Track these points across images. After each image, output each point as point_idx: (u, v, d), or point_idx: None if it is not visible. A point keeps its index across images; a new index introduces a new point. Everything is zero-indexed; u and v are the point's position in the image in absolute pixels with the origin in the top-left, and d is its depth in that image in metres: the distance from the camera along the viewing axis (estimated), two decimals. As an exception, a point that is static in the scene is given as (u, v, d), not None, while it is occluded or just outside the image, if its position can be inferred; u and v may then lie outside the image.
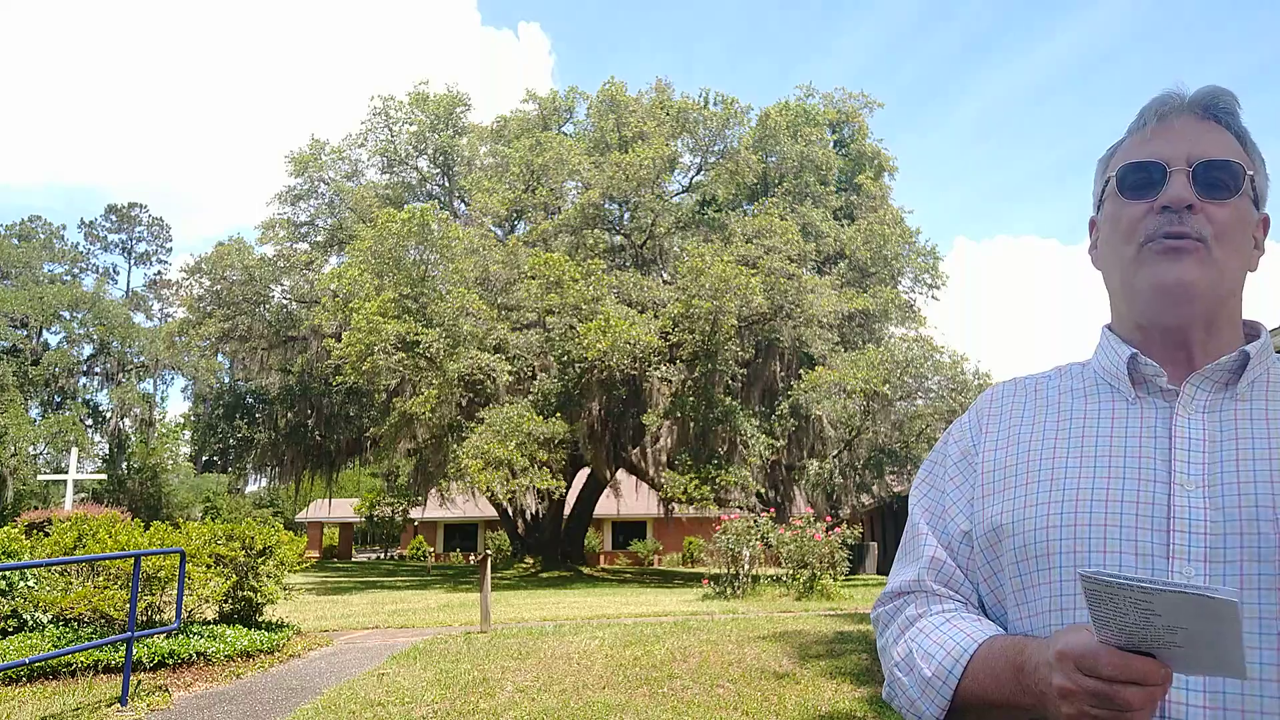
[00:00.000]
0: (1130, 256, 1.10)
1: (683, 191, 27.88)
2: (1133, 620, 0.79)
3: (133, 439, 43.41)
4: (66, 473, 24.99)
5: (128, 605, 7.48)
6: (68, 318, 42.85)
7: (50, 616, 8.07)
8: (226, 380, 33.38)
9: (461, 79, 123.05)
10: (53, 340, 43.94)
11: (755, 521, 15.98)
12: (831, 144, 27.27)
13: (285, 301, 25.80)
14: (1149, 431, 1.07)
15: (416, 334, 19.20)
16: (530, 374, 21.37)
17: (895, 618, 1.19)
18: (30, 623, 7.99)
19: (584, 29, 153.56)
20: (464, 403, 20.74)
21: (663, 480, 20.95)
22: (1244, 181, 1.08)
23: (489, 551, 14.86)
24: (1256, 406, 1.06)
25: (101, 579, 8.14)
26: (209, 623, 8.97)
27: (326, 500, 35.98)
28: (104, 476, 38.36)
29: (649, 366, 20.55)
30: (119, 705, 6.26)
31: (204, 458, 35.45)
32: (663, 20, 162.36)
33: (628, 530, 37.88)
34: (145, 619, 8.24)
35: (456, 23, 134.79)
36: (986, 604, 1.15)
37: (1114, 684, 0.81)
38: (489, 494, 18.98)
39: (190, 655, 7.70)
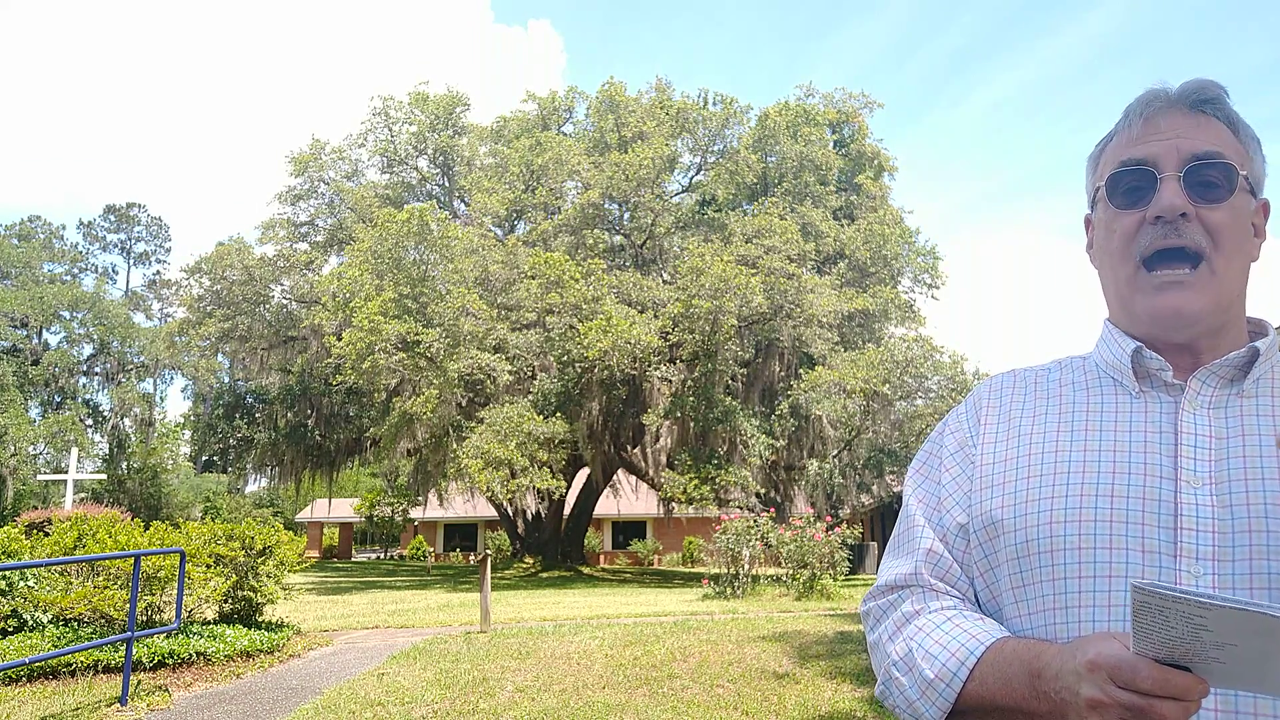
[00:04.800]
0: (1127, 276, 1.08)
1: (682, 191, 27.88)
2: (1179, 634, 0.76)
3: (133, 439, 43.40)
4: (66, 473, 24.98)
5: (128, 605, 7.47)
6: (68, 318, 42.86)
7: (50, 616, 8.06)
8: (226, 380, 33.40)
9: (471, 76, 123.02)
10: (53, 340, 43.99)
11: (755, 521, 15.98)
12: (831, 144, 27.26)
13: (285, 301, 25.79)
14: (1154, 426, 1.05)
15: (416, 334, 19.19)
16: (530, 374, 21.37)
17: (890, 613, 1.15)
18: (30, 623, 7.99)
19: (592, 27, 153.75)
20: (464, 403, 20.74)
21: (663, 480, 20.95)
22: (1238, 179, 1.05)
23: (489, 551, 14.85)
24: (1263, 403, 1.04)
25: (101, 579, 8.14)
26: (209, 623, 8.97)
27: (326, 500, 35.95)
28: (104, 476, 38.29)
29: (649, 366, 20.54)
30: (119, 705, 6.26)
31: (204, 458, 35.46)
32: (667, 19, 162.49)
33: (628, 530, 37.87)
34: (145, 619, 8.24)
35: (468, 20, 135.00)
36: (981, 599, 1.12)
37: (1150, 698, 0.79)
38: (489, 494, 18.96)
39: (190, 655, 7.70)
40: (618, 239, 25.73)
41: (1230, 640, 0.75)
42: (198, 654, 7.77)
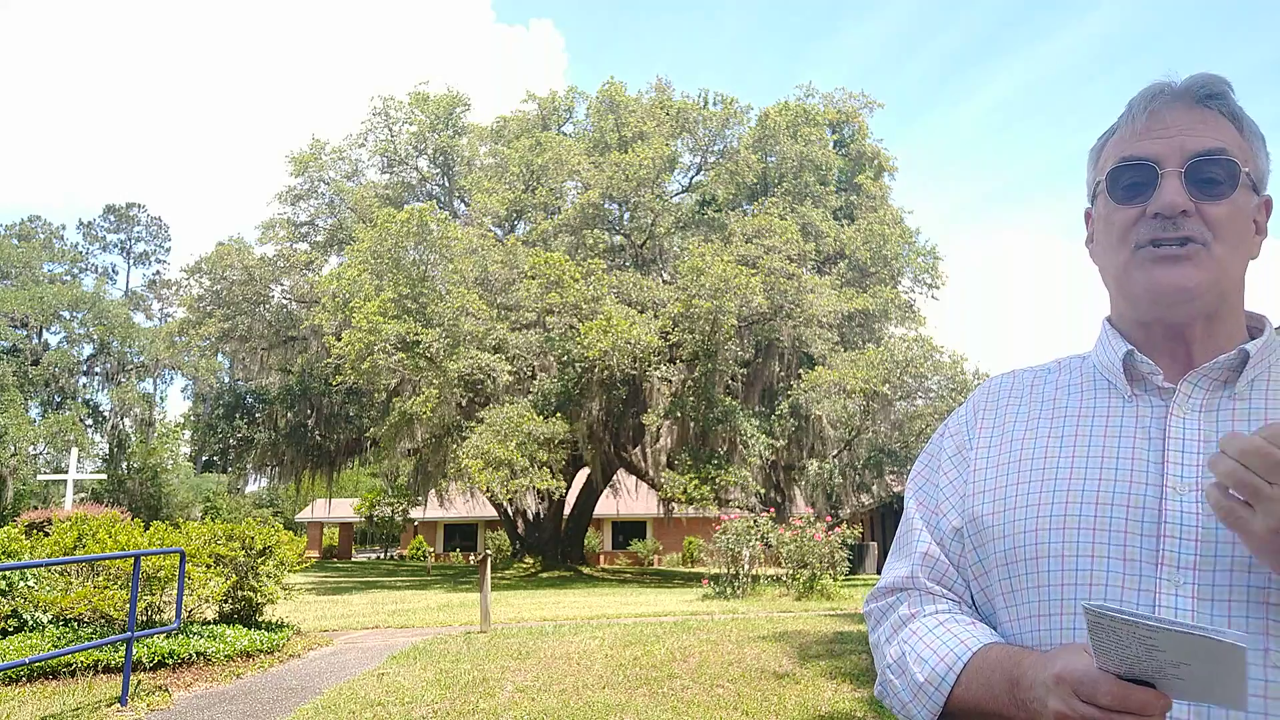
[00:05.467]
0: (1124, 260, 1.07)
1: (683, 191, 27.88)
2: (1134, 653, 0.78)
3: (133, 439, 43.38)
4: (66, 473, 24.98)
5: (128, 605, 7.48)
6: (68, 318, 42.83)
7: (50, 616, 8.07)
8: (226, 380, 33.39)
9: (473, 76, 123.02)
10: (53, 340, 43.95)
11: (755, 521, 15.98)
12: (831, 144, 27.25)
13: (285, 301, 25.80)
14: (1143, 432, 1.04)
15: (416, 334, 19.20)
16: (530, 374, 21.37)
17: (888, 615, 1.17)
18: (30, 623, 7.99)
19: (593, 26, 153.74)
20: (464, 403, 20.73)
21: (663, 480, 20.95)
22: (1240, 176, 1.04)
23: (489, 551, 14.85)
24: (1255, 405, 1.02)
25: (101, 579, 8.14)
26: (209, 623, 8.98)
27: (326, 500, 35.99)
28: (104, 476, 38.30)
29: (649, 366, 20.54)
30: (119, 705, 6.26)
31: (204, 458, 35.35)
32: (668, 19, 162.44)
33: (628, 530, 37.86)
34: (145, 619, 8.24)
35: (470, 20, 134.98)
36: (977, 602, 1.13)
37: (1111, 713, 0.80)
38: (489, 494, 18.97)
39: (190, 655, 7.70)
40: (618, 239, 25.72)
41: (1183, 659, 0.76)
42: (198, 654, 7.77)
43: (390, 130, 27.44)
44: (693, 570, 29.25)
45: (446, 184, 28.31)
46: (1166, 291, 1.03)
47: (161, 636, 7.64)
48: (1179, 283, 1.02)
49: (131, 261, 59.99)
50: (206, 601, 8.96)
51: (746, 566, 15.55)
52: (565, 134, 28.55)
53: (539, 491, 19.33)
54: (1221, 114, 1.06)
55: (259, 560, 9.29)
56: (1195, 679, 0.78)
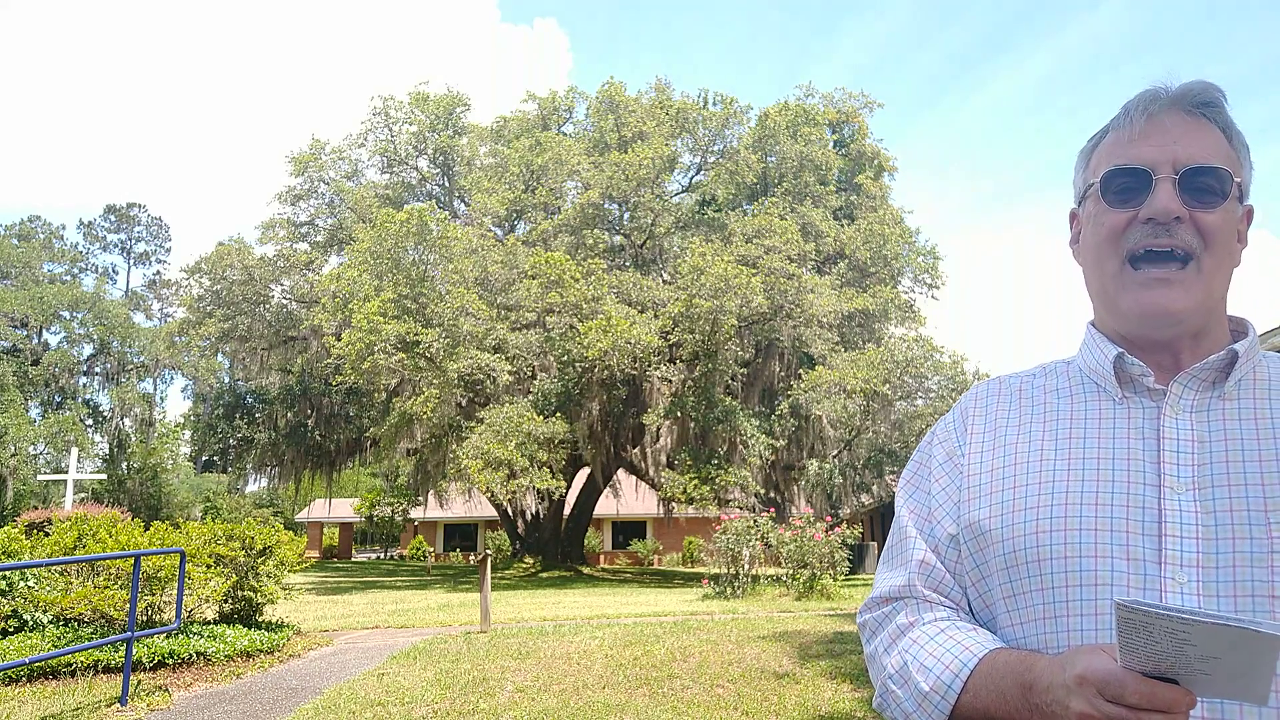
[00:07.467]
0: (1113, 272, 1.08)
1: (683, 191, 27.88)
2: (1164, 649, 0.77)
3: (133, 439, 43.38)
4: (66, 473, 25.00)
5: (128, 605, 7.48)
6: (68, 318, 42.84)
7: (50, 616, 8.07)
8: (226, 380, 33.42)
9: (478, 75, 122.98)
10: (53, 340, 43.98)
11: (755, 521, 15.98)
12: (831, 144, 27.26)
13: (285, 301, 25.80)
14: (1137, 433, 1.05)
15: (416, 334, 19.20)
16: (530, 374, 21.37)
17: (885, 625, 1.15)
18: (30, 623, 7.99)
19: (596, 25, 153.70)
20: (464, 403, 20.74)
21: (663, 480, 20.95)
22: (1232, 187, 1.05)
23: (489, 551, 14.85)
24: (1244, 405, 1.04)
25: (101, 579, 8.14)
26: (209, 623, 8.98)
27: (326, 500, 35.98)
28: (104, 476, 38.30)
29: (649, 366, 20.54)
30: (119, 705, 6.26)
31: (204, 458, 35.47)
32: (671, 17, 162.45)
33: (628, 530, 37.87)
34: (145, 619, 8.24)
35: (475, 18, 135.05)
36: (975, 608, 1.13)
37: (1139, 712, 0.80)
38: (489, 494, 18.97)
39: (190, 655, 7.71)
40: (618, 239, 25.72)
41: (1214, 653, 0.76)
42: (198, 654, 7.77)
43: (390, 130, 27.44)
44: (693, 570, 29.26)
45: (446, 184, 28.30)
46: (1155, 315, 1.05)
47: (161, 636, 7.65)
48: (1168, 307, 1.04)
49: (132, 261, 60.07)
50: (206, 601, 8.96)
51: (746, 566, 15.56)
52: (565, 134, 28.55)
53: (539, 491, 19.33)
54: (1214, 123, 1.08)
55: (259, 560, 9.30)
56: (1223, 673, 0.77)
